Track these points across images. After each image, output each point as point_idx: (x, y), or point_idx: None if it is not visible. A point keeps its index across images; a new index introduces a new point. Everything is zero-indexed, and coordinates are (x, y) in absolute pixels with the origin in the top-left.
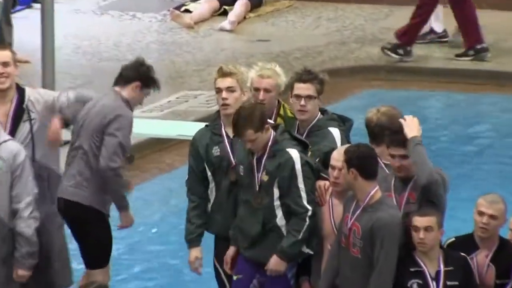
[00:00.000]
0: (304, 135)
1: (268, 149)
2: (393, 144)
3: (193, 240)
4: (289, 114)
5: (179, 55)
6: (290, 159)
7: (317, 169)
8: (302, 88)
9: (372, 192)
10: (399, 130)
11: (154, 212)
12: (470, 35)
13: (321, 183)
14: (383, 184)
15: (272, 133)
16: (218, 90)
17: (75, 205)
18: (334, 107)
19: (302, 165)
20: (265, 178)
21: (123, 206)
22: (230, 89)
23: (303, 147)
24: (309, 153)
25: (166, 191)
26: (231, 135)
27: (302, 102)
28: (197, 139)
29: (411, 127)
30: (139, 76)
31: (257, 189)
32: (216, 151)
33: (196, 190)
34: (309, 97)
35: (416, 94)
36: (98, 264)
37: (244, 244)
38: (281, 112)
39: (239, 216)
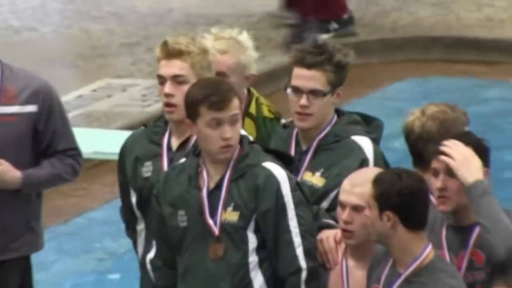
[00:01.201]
0: (310, 152)
1: (231, 166)
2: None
3: None
4: (266, 113)
5: (97, 20)
6: (271, 178)
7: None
8: (304, 77)
9: (423, 256)
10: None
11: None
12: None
13: (329, 233)
14: (429, 234)
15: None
16: (161, 80)
17: None
18: (354, 106)
19: (292, 189)
20: (233, 216)
21: None
22: (178, 80)
23: (285, 163)
24: (324, 181)
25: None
26: (175, 147)
27: (303, 100)
28: (127, 146)
29: (466, 163)
30: None
31: (216, 233)
32: (147, 169)
33: (135, 224)
34: (314, 92)
35: (498, 85)
36: None
37: None
38: (252, 110)
39: None
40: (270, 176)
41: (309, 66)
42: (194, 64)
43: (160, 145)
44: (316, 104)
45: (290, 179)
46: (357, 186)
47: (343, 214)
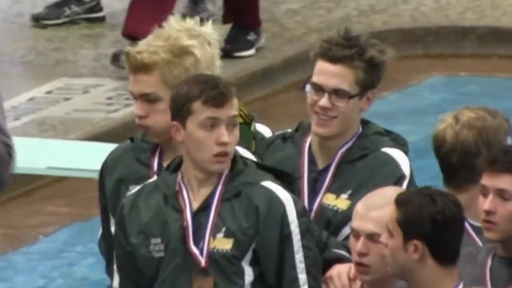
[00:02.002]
0: (331, 169)
1: (221, 183)
2: (494, 165)
3: None
4: None
5: None
6: (275, 200)
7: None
8: (328, 73)
9: None
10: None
11: None
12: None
13: (342, 269)
14: (469, 267)
15: None
16: (132, 95)
17: None
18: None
19: (299, 215)
20: (225, 244)
21: None
22: (147, 98)
23: (283, 181)
24: (349, 204)
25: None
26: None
27: (324, 100)
28: (109, 164)
29: None
30: None
31: (203, 264)
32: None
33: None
34: (338, 92)
35: None
36: None
37: None
38: None
39: None
40: (273, 198)
41: (335, 60)
42: (164, 76)
43: (150, 167)
44: (339, 107)
45: (296, 202)
46: (374, 209)
47: (357, 244)
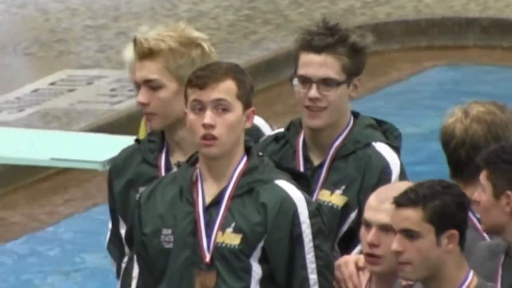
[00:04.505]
0: (326, 164)
1: (234, 179)
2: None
3: None
4: None
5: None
6: (287, 200)
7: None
8: (314, 64)
9: (469, 280)
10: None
11: None
12: None
13: (349, 258)
14: (478, 262)
15: (243, 155)
16: (135, 84)
17: None
18: (368, 102)
19: (311, 216)
20: (233, 240)
21: None
22: (150, 84)
23: (300, 183)
24: (345, 200)
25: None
26: (176, 167)
27: (313, 91)
28: (118, 166)
29: None
30: None
31: (208, 260)
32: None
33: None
34: (326, 81)
35: None
36: None
37: None
38: None
39: None
40: (285, 197)
41: (319, 50)
42: (168, 63)
43: (157, 166)
44: (329, 95)
45: (308, 202)
46: (387, 201)
47: (368, 236)
